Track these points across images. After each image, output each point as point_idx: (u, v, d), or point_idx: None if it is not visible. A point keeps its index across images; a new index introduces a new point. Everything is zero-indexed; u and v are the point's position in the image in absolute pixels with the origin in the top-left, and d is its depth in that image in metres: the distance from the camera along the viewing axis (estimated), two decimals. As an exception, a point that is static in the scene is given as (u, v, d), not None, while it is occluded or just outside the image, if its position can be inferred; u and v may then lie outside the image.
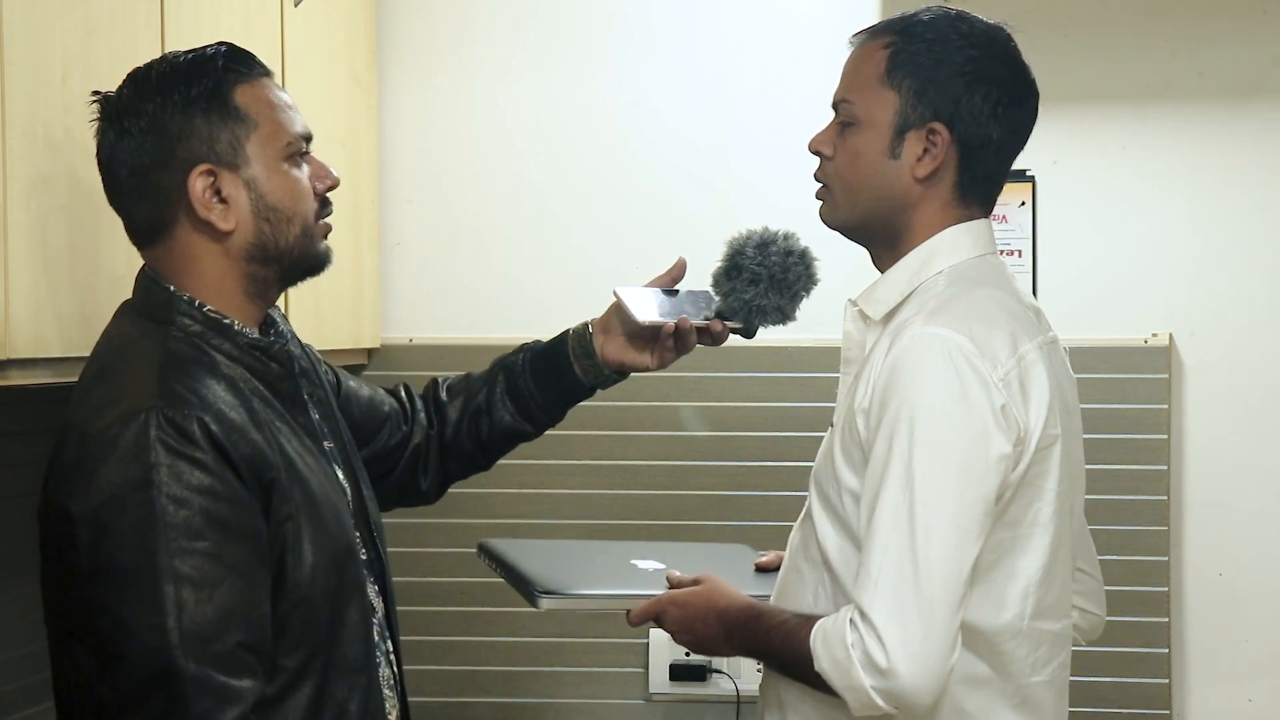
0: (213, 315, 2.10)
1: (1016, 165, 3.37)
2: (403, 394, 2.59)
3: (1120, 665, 3.39)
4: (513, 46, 3.60)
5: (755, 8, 3.55)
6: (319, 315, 3.12)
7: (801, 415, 3.47)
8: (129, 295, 2.17)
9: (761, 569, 2.56)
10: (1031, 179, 3.45)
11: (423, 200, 3.63)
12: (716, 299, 2.51)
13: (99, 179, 2.24)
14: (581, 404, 3.53)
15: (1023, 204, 3.45)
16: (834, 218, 2.30)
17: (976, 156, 2.22)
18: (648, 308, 2.50)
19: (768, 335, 3.47)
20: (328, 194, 2.22)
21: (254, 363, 2.12)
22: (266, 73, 2.20)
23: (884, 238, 2.27)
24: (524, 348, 2.62)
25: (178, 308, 2.09)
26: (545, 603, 2.36)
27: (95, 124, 2.14)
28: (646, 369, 2.55)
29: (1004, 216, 3.45)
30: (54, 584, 2.02)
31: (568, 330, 2.59)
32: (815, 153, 2.31)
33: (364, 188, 3.46)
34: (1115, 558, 3.38)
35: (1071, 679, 3.35)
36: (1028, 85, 2.27)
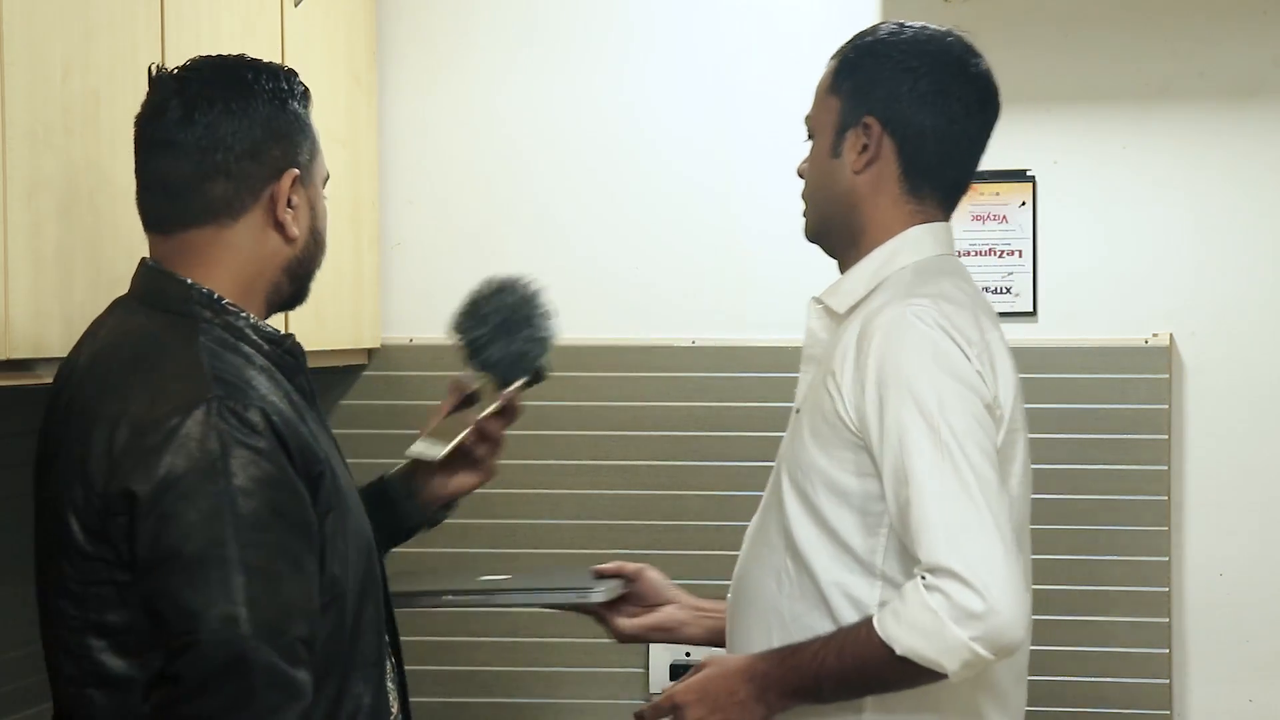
0: (231, 308, 2.08)
1: (1017, 165, 3.45)
2: None
3: (1120, 665, 3.39)
4: (513, 47, 3.60)
5: (755, 10, 3.54)
6: (319, 315, 3.12)
7: (802, 415, 3.47)
8: (129, 295, 2.16)
9: (600, 574, 2.62)
10: (1032, 179, 3.45)
11: (423, 200, 3.63)
12: (491, 377, 2.46)
13: (99, 179, 2.24)
14: (580, 404, 3.55)
15: (1023, 204, 3.45)
16: (807, 229, 2.39)
17: (914, 146, 2.28)
18: (438, 442, 2.44)
19: (768, 336, 3.49)
20: None
21: (273, 355, 2.11)
22: None
23: (844, 240, 2.33)
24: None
25: (196, 299, 2.07)
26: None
27: (193, 86, 2.10)
28: (476, 487, 2.53)
29: (1004, 216, 3.46)
30: (90, 574, 1.97)
31: (381, 478, 2.53)
32: (800, 176, 2.42)
33: (364, 188, 3.46)
34: (1115, 558, 3.39)
35: (1071, 679, 3.39)
36: (964, 75, 2.32)
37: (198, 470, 1.91)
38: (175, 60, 2.43)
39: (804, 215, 2.39)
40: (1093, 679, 3.40)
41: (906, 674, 2.11)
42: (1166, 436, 3.40)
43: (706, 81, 3.55)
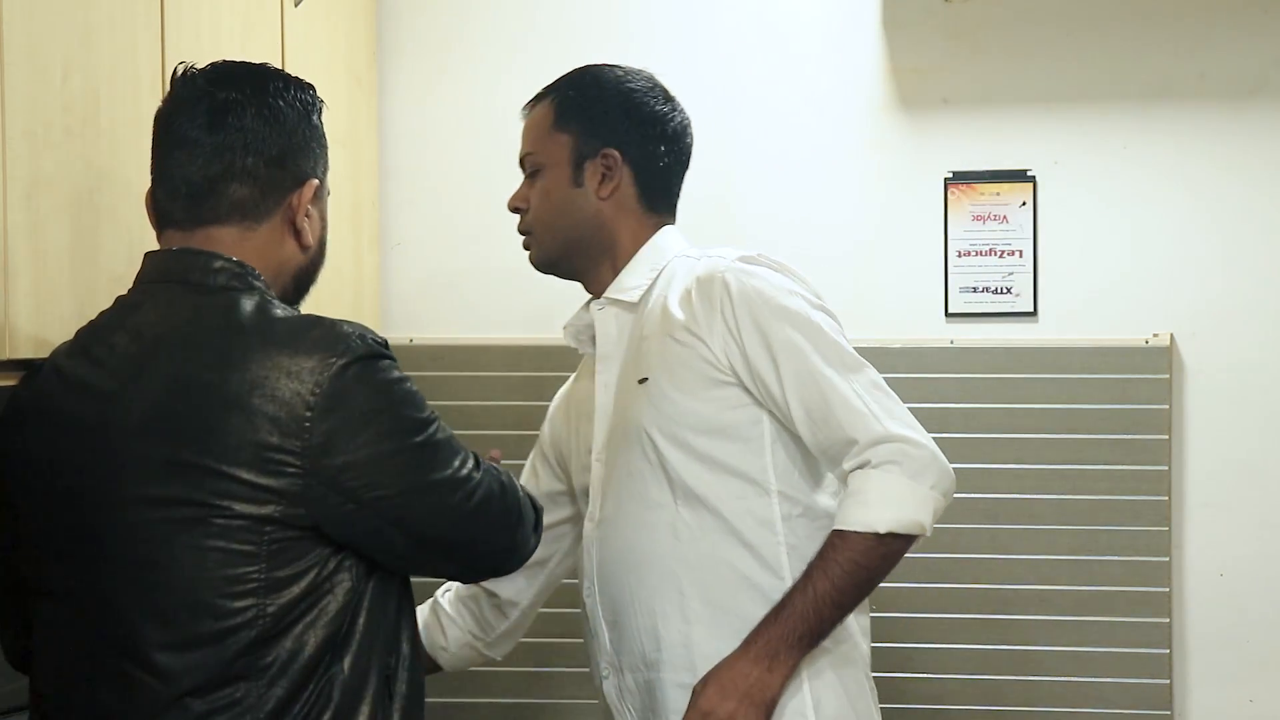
0: (269, 290, 2.11)
1: (1018, 165, 3.45)
2: None
3: (1121, 665, 3.39)
4: (513, 47, 3.60)
5: (755, 10, 3.54)
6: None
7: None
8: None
9: None
10: (1032, 179, 3.45)
11: (423, 200, 3.63)
12: None
13: (99, 179, 2.24)
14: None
15: (1023, 204, 3.45)
16: (543, 257, 2.62)
17: (649, 171, 2.59)
18: None
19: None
20: None
21: None
22: None
23: (594, 257, 2.60)
24: None
25: (248, 273, 2.08)
26: None
27: (202, 89, 2.11)
28: None
29: (1005, 216, 3.46)
30: (261, 530, 1.98)
31: None
32: (514, 210, 2.63)
33: (364, 188, 3.46)
34: (1116, 558, 3.39)
35: (1072, 679, 3.39)
36: (674, 113, 2.63)
37: (376, 385, 2.01)
38: (175, 60, 2.42)
39: (526, 246, 2.63)
40: (1093, 679, 3.40)
41: (892, 554, 2.38)
42: (1167, 437, 3.40)
43: (705, 83, 3.54)
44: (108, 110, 2.35)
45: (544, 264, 2.63)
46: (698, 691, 2.40)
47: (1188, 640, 3.44)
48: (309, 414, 1.97)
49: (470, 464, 2.12)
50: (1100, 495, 3.40)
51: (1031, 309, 3.44)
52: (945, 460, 2.41)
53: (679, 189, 2.67)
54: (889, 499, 2.36)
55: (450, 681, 3.52)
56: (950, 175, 3.47)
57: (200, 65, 2.15)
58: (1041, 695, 3.42)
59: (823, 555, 2.39)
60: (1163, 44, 3.43)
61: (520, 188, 2.63)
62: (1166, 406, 3.40)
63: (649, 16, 3.57)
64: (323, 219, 2.19)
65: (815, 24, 3.52)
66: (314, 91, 2.19)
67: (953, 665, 3.43)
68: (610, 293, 2.59)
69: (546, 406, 3.52)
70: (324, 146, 2.19)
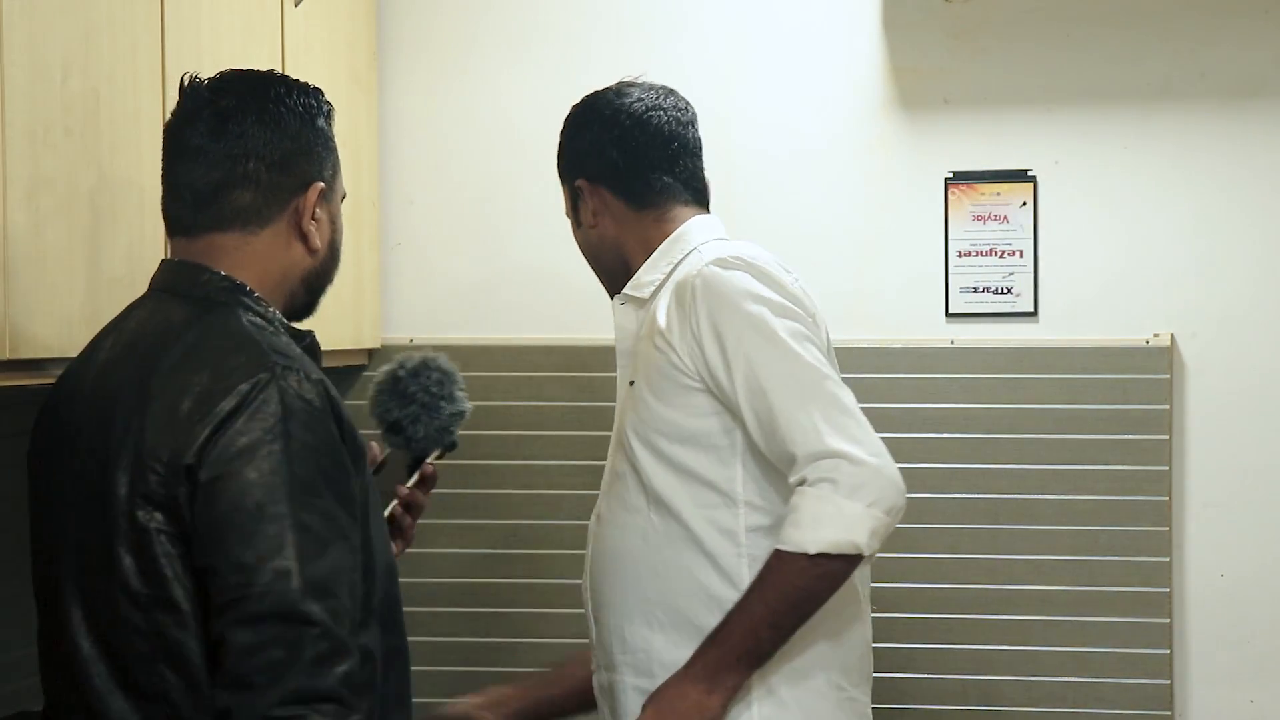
0: (261, 301, 2.11)
1: (1018, 165, 3.45)
2: None
3: (1121, 666, 3.39)
4: (513, 46, 3.60)
5: (755, 11, 3.54)
6: (319, 315, 3.09)
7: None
8: (129, 295, 2.16)
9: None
10: (1033, 179, 3.45)
11: (423, 200, 3.63)
12: (408, 450, 2.55)
13: (99, 179, 2.24)
14: (581, 404, 3.54)
15: (1024, 204, 3.45)
16: (608, 287, 2.69)
17: (617, 178, 2.61)
18: None
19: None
20: None
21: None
22: None
23: (622, 275, 2.62)
24: None
25: (231, 288, 2.08)
26: None
27: (228, 93, 2.12)
28: (399, 553, 2.53)
29: (1005, 217, 3.45)
30: (152, 549, 1.97)
31: None
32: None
33: (364, 188, 3.46)
34: (1117, 558, 3.38)
35: (1073, 679, 3.39)
36: (615, 109, 2.63)
37: (261, 431, 1.94)
38: (175, 60, 2.44)
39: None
40: (1093, 679, 3.39)
41: (828, 574, 2.30)
42: (1167, 437, 3.40)
43: (705, 83, 3.54)
44: (108, 110, 2.35)
45: (613, 291, 2.67)
46: (642, 709, 2.40)
47: (1188, 641, 3.44)
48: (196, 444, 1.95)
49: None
50: (1101, 495, 3.39)
51: (1032, 309, 3.44)
52: (893, 476, 2.32)
53: (666, 175, 2.63)
54: (820, 518, 2.29)
55: (450, 682, 3.52)
56: (951, 175, 3.46)
57: (207, 75, 2.15)
58: (1041, 695, 3.42)
59: (760, 576, 2.35)
60: (1163, 44, 3.43)
61: None
62: (1167, 407, 3.40)
63: (649, 16, 3.57)
64: (333, 222, 2.19)
65: (815, 24, 3.51)
66: (320, 96, 2.18)
67: (953, 665, 3.43)
68: (627, 289, 2.60)
69: (547, 406, 3.53)
70: (331, 150, 2.18)
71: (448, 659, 3.54)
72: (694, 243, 2.57)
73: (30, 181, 2.18)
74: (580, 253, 2.70)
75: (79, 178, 2.29)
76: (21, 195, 2.16)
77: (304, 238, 2.13)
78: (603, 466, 3.53)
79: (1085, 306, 3.45)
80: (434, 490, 3.60)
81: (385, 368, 2.57)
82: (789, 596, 2.32)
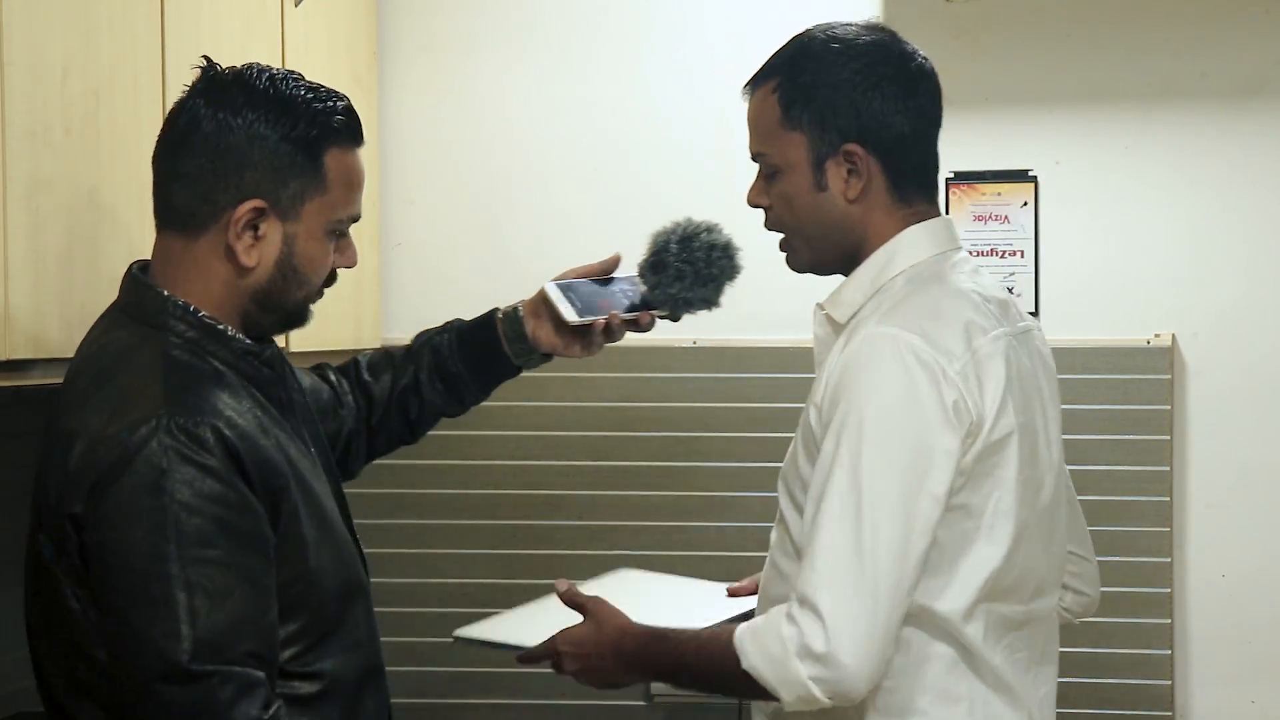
0: (207, 320, 2.08)
1: (1019, 165, 3.45)
2: (331, 376, 2.58)
3: (1122, 666, 3.39)
4: (513, 46, 3.60)
5: (756, 11, 3.54)
6: (319, 315, 3.08)
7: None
8: (128, 296, 2.16)
9: (734, 594, 2.59)
10: (1034, 179, 3.45)
11: (423, 200, 3.63)
12: (644, 288, 2.56)
13: (99, 179, 2.23)
14: (582, 405, 3.55)
15: (1025, 204, 3.45)
16: (796, 264, 2.36)
17: (897, 156, 2.26)
18: (576, 305, 2.53)
19: (768, 336, 3.49)
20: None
21: (247, 368, 2.10)
22: (362, 143, 2.19)
23: (848, 260, 2.30)
24: (449, 326, 2.62)
25: (171, 312, 2.06)
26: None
27: (198, 90, 2.10)
28: (576, 356, 2.59)
29: (1006, 217, 3.45)
30: (53, 594, 2.01)
31: (495, 310, 2.60)
32: (754, 206, 2.36)
33: (365, 188, 3.45)
34: (1117, 559, 3.38)
35: (1074, 680, 3.38)
36: (916, 70, 2.29)
37: (143, 489, 1.92)
38: (175, 60, 2.44)
39: (783, 247, 2.36)
40: (1094, 680, 3.39)
41: (751, 688, 2.14)
42: (1169, 437, 3.40)
43: (707, 81, 3.54)
44: (108, 110, 2.35)
45: (802, 269, 2.37)
46: (577, 626, 2.32)
47: (1189, 641, 3.44)
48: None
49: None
50: (1102, 496, 3.39)
51: (1033, 309, 3.44)
52: (854, 670, 2.06)
53: (935, 165, 2.33)
54: (766, 651, 2.11)
55: (451, 682, 3.52)
56: (951, 175, 3.46)
57: (185, 65, 2.15)
58: (1043, 696, 3.41)
59: (713, 635, 2.22)
60: (1164, 44, 3.43)
61: (757, 182, 2.37)
62: (1168, 407, 3.40)
63: (649, 17, 3.57)
64: (287, 244, 2.10)
65: (816, 24, 3.50)
66: (313, 101, 2.11)
67: (954, 666, 3.43)
68: (827, 302, 2.31)
69: (548, 406, 3.53)
70: (303, 174, 2.09)
71: (448, 659, 3.53)
72: (898, 265, 2.26)
73: (30, 181, 2.17)
74: (778, 216, 2.33)
75: (79, 178, 2.29)
76: (21, 195, 2.16)
77: (230, 253, 2.08)
78: (602, 466, 3.56)
79: (1086, 306, 3.45)
80: (433, 490, 3.61)
81: (691, 222, 2.59)
82: (716, 673, 2.20)
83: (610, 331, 2.55)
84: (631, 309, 2.56)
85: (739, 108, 3.55)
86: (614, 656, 2.30)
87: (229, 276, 2.09)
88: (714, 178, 3.54)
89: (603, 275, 2.60)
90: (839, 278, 2.34)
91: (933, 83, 2.31)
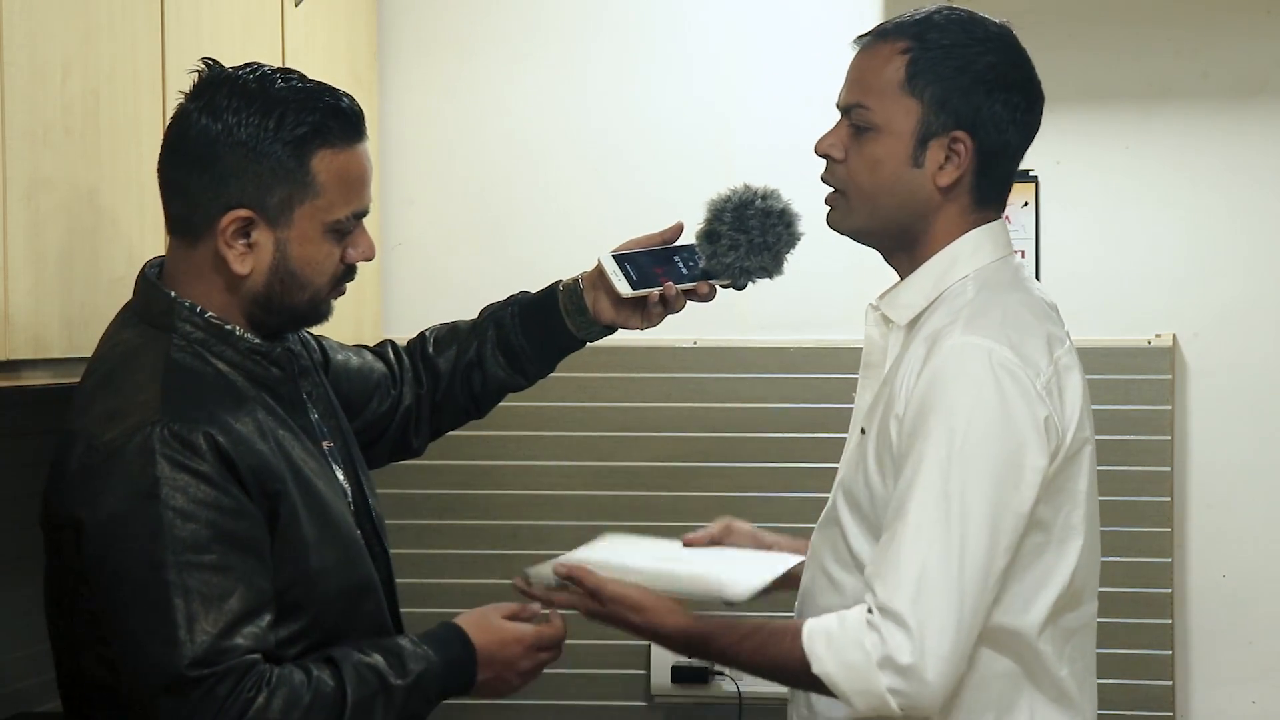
0: (214, 321, 2.08)
1: (1019, 165, 3.44)
2: (390, 354, 2.57)
3: (1123, 667, 3.38)
4: (514, 46, 3.59)
5: (756, 10, 3.54)
6: (319, 316, 3.11)
7: (804, 416, 3.46)
8: (129, 295, 2.16)
9: (689, 543, 2.50)
10: (1034, 179, 3.45)
11: (423, 200, 3.62)
12: (703, 258, 2.51)
13: (99, 179, 2.23)
14: (582, 405, 3.54)
15: (1025, 204, 3.44)
16: (847, 224, 2.27)
17: (995, 162, 2.22)
18: (631, 277, 2.49)
19: (768, 336, 3.49)
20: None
21: (255, 368, 2.10)
22: (361, 139, 2.16)
23: (902, 244, 2.25)
24: (512, 300, 2.59)
25: (179, 314, 2.07)
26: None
27: (192, 94, 2.10)
28: (637, 328, 2.53)
29: (1007, 217, 3.44)
30: (61, 590, 2.03)
31: (558, 283, 2.56)
32: (824, 155, 2.27)
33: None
34: (1118, 559, 3.38)
35: (1074, 680, 3.37)
36: (1038, 88, 2.27)
37: (137, 495, 1.94)
38: (175, 60, 2.44)
39: (831, 202, 2.28)
40: (1096, 680, 3.38)
41: (815, 688, 2.11)
42: (1169, 438, 3.40)
43: (709, 81, 3.54)
44: (108, 110, 2.35)
45: (844, 230, 2.27)
46: (630, 589, 2.24)
47: (1190, 642, 3.44)
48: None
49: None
50: (1102, 496, 3.35)
51: (1033, 309, 3.43)
52: (935, 688, 2.02)
53: (1015, 174, 2.30)
54: (844, 659, 2.06)
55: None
56: (952, 175, 3.46)
57: (183, 66, 2.16)
58: (1043, 696, 3.41)
59: (775, 634, 2.14)
60: (1165, 44, 3.43)
61: (835, 132, 2.26)
62: (1169, 407, 3.39)
63: (651, 15, 3.57)
64: (279, 247, 2.08)
65: (817, 24, 3.51)
66: (300, 103, 2.09)
67: (954, 666, 3.42)
68: (884, 302, 2.27)
69: (548, 406, 3.52)
70: (290, 176, 2.07)
71: (448, 660, 3.53)
72: (960, 270, 2.22)
73: (30, 181, 2.17)
74: (850, 173, 2.24)
75: (79, 178, 2.29)
76: (21, 195, 2.15)
77: (224, 262, 2.08)
78: (602, 466, 3.56)
79: (1087, 307, 3.44)
80: (433, 490, 3.61)
81: (749, 189, 2.50)
82: (774, 672, 2.16)
83: (668, 303, 2.49)
84: (691, 279, 2.50)
85: (739, 108, 3.57)
86: (676, 626, 2.20)
87: (227, 283, 2.10)
88: (714, 178, 3.53)
89: (664, 245, 2.55)
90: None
91: (1043, 104, 2.28)
